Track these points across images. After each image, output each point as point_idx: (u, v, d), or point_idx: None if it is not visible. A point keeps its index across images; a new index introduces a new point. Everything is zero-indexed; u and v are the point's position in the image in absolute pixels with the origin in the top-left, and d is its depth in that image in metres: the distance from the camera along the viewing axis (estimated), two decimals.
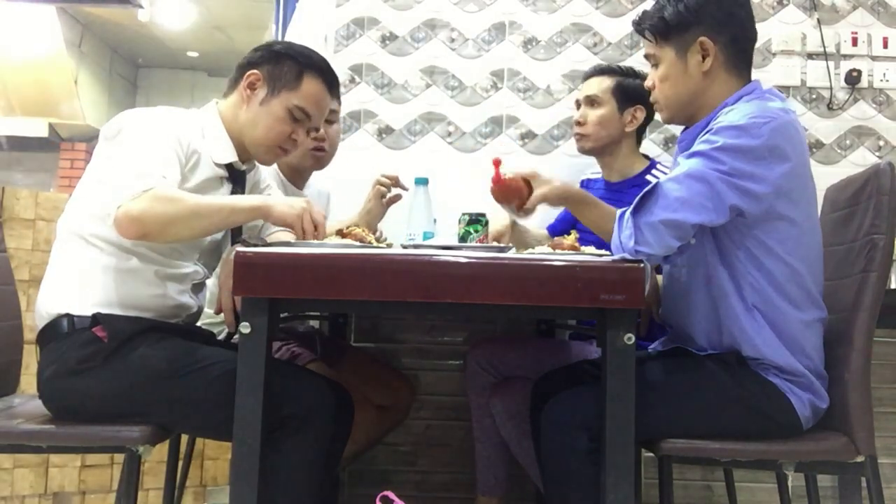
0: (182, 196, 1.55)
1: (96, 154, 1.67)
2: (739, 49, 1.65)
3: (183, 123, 1.69)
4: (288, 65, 1.75)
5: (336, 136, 2.27)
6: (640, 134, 2.31)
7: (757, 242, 1.55)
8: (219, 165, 1.73)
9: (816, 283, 1.61)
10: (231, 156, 1.75)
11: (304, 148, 2.09)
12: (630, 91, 2.23)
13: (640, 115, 2.24)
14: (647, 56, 1.72)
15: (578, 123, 2.28)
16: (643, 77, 2.09)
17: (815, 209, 1.64)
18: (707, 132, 1.56)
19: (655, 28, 1.65)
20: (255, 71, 1.75)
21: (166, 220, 1.51)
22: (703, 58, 1.62)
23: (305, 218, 1.57)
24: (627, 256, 1.46)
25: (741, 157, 1.49)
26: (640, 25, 1.70)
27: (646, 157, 2.34)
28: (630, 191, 2.16)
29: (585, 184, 2.40)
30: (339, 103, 2.26)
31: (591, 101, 2.26)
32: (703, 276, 1.61)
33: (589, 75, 2.32)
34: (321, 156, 2.23)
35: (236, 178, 1.79)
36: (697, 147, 1.54)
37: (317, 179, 2.37)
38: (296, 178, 2.27)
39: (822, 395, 1.60)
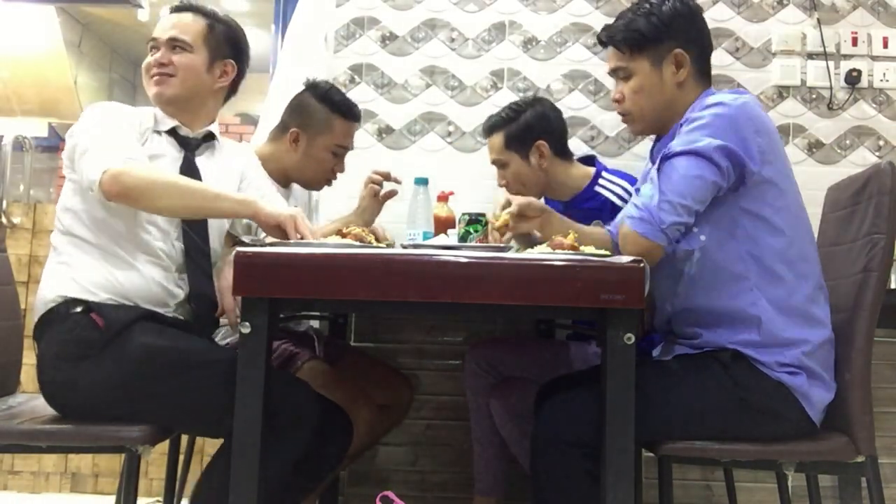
0: (161, 168, 1.66)
1: (64, 155, 1.71)
2: (705, 61, 1.72)
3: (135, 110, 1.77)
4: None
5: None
6: (561, 150, 2.28)
7: (750, 216, 1.57)
8: (163, 133, 1.78)
9: (810, 246, 1.63)
10: (172, 123, 1.78)
11: (327, 169, 2.24)
12: (520, 135, 2.24)
13: (544, 147, 2.23)
14: (615, 69, 1.74)
15: (505, 185, 2.29)
16: (523, 106, 2.23)
17: (793, 179, 1.65)
18: (681, 132, 1.60)
19: (629, 40, 1.68)
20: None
21: (148, 182, 1.57)
22: (678, 69, 1.67)
23: (299, 220, 1.58)
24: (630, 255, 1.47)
25: (724, 130, 1.54)
26: (610, 39, 1.73)
27: (586, 159, 2.35)
28: (583, 205, 2.21)
29: (549, 202, 2.39)
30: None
31: (500, 164, 2.29)
32: (707, 265, 1.61)
33: (486, 137, 2.34)
34: (326, 185, 2.31)
35: (186, 145, 1.80)
36: (678, 145, 1.56)
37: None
38: (280, 178, 2.25)
39: (827, 382, 1.58)
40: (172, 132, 1.78)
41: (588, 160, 2.34)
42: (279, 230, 1.58)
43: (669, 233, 1.51)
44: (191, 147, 1.80)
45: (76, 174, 1.65)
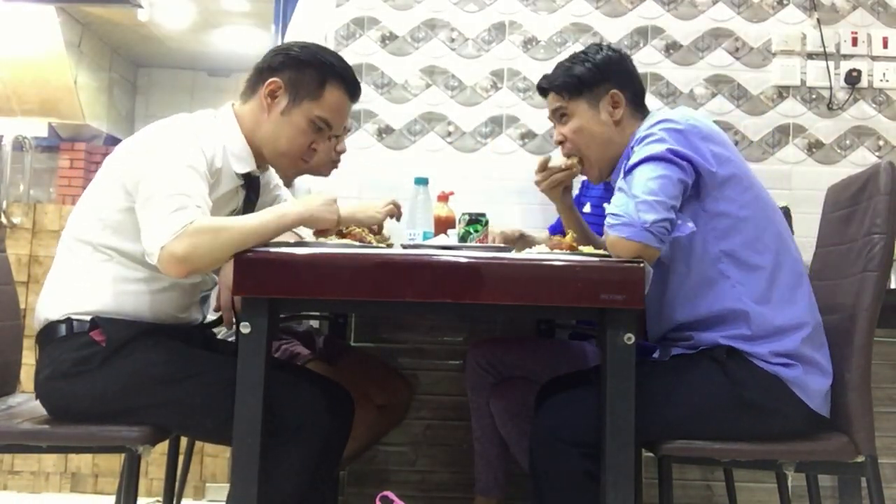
0: (224, 224, 1.49)
1: (114, 164, 1.63)
2: (640, 99, 1.84)
3: (205, 139, 1.63)
4: (310, 73, 1.68)
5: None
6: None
7: (717, 216, 1.61)
8: (238, 175, 1.70)
9: (783, 233, 1.66)
10: (250, 166, 1.71)
11: (326, 158, 2.09)
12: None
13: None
14: (554, 111, 1.85)
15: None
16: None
17: (752, 173, 1.69)
18: (634, 151, 1.65)
19: (567, 85, 1.80)
20: (275, 79, 1.67)
21: (213, 254, 1.45)
22: (614, 108, 1.79)
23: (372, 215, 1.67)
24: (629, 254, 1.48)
25: (676, 140, 1.59)
26: (549, 85, 1.83)
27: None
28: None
29: (588, 189, 2.40)
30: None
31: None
32: (688, 277, 1.63)
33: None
34: (334, 169, 2.24)
35: (251, 184, 1.76)
36: (635, 158, 1.61)
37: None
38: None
39: (823, 367, 1.59)
40: (245, 175, 1.72)
41: None
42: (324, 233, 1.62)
43: (654, 231, 1.50)
44: (254, 186, 1.76)
45: (137, 208, 1.54)
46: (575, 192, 2.16)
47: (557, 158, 1.92)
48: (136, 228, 1.55)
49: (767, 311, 1.58)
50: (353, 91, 1.74)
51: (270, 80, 1.67)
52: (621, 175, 1.65)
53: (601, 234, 1.73)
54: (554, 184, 1.90)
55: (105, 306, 1.59)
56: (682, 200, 1.57)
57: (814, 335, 1.60)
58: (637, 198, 1.52)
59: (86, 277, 1.61)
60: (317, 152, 1.75)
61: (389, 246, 1.71)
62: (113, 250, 1.60)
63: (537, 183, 1.93)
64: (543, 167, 1.92)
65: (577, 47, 2.77)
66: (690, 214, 1.61)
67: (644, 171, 1.56)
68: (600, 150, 1.80)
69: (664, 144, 1.58)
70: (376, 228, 2.04)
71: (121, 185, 1.60)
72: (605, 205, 1.61)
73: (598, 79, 1.79)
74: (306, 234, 1.90)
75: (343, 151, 2.20)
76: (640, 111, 1.82)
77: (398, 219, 2.13)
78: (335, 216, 1.61)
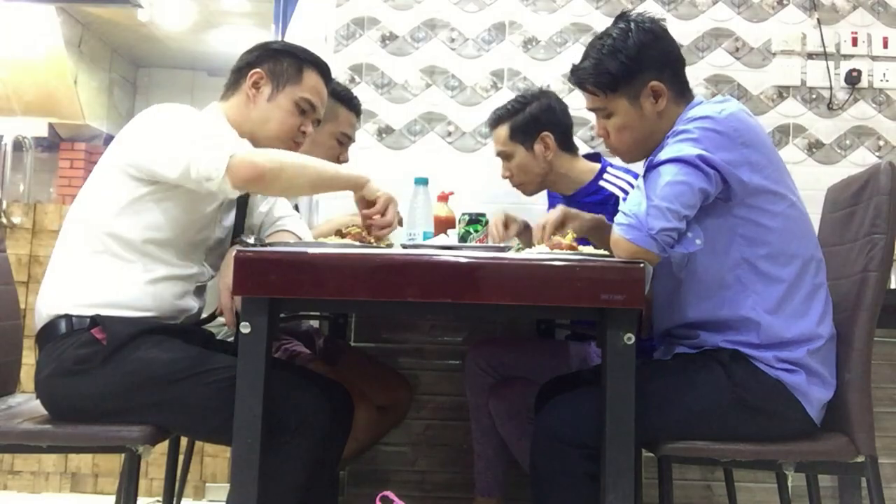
0: (281, 151, 1.63)
1: (116, 153, 1.64)
2: (681, 79, 1.70)
3: (200, 118, 1.70)
4: (287, 61, 1.79)
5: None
6: (566, 143, 2.27)
7: (746, 223, 1.57)
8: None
9: (809, 243, 1.62)
10: None
11: (333, 157, 2.19)
12: (525, 126, 2.23)
13: (549, 139, 2.22)
14: (593, 109, 1.73)
15: (509, 177, 2.30)
16: (529, 99, 2.23)
17: (789, 179, 1.63)
18: (668, 143, 1.59)
19: (601, 84, 1.66)
20: (257, 70, 1.78)
21: (280, 164, 1.56)
22: (656, 99, 1.65)
23: (391, 207, 1.66)
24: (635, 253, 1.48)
25: (712, 144, 1.53)
26: (581, 83, 1.71)
27: (591, 156, 2.33)
28: (587, 199, 2.20)
29: (552, 195, 2.41)
30: (359, 122, 2.36)
31: (504, 156, 2.28)
32: (704, 276, 1.61)
33: (491, 129, 2.33)
34: None
35: None
36: (664, 154, 1.56)
37: None
38: None
39: (826, 380, 1.58)
40: None
41: (593, 157, 2.34)
42: (369, 208, 1.68)
43: (659, 238, 1.48)
44: None
45: (163, 172, 1.57)
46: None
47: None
48: (135, 216, 1.60)
49: (778, 323, 1.56)
50: (327, 76, 1.87)
51: (252, 72, 1.78)
52: (644, 168, 1.62)
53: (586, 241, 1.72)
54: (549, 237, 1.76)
55: (102, 299, 1.59)
56: (699, 207, 1.53)
57: (823, 349, 1.58)
58: (651, 201, 1.50)
59: (83, 271, 1.61)
60: (306, 135, 1.82)
61: (389, 246, 1.71)
62: (111, 238, 1.60)
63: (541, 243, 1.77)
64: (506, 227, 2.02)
65: (577, 47, 2.78)
66: (717, 216, 1.57)
67: (667, 173, 1.52)
68: (644, 143, 1.69)
69: (697, 148, 1.52)
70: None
71: (120, 170, 1.61)
72: None
73: (633, 71, 1.64)
74: (306, 234, 1.91)
75: (346, 161, 2.25)
76: (684, 93, 1.70)
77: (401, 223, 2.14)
78: (385, 193, 1.67)
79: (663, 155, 1.56)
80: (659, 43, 1.67)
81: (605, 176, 2.22)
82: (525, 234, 2.11)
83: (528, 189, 2.31)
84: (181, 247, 1.67)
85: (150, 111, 1.66)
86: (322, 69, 1.84)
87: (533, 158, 2.23)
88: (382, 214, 1.66)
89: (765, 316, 1.56)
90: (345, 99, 2.23)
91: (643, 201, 1.51)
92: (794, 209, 1.60)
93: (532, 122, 2.22)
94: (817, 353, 1.57)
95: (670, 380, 1.59)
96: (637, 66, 1.64)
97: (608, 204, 2.12)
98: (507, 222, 2.09)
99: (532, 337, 2.55)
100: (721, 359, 1.57)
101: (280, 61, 1.79)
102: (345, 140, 2.24)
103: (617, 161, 2.01)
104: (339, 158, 2.23)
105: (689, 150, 1.52)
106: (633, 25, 1.66)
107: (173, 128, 1.60)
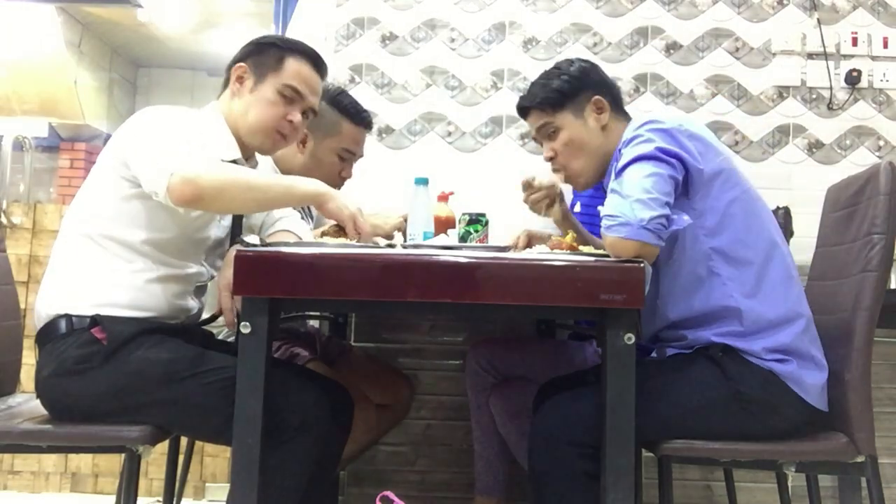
0: (236, 166, 1.56)
1: (110, 153, 1.65)
2: (619, 103, 1.87)
3: (191, 121, 1.69)
4: (270, 52, 1.77)
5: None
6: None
7: (706, 213, 1.61)
8: (223, 162, 1.71)
9: (771, 227, 1.66)
10: (235, 152, 1.74)
11: (333, 173, 2.15)
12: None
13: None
14: (540, 129, 1.85)
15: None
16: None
17: (740, 170, 1.69)
18: (622, 154, 1.64)
19: (549, 100, 1.82)
20: (241, 64, 1.77)
21: (222, 183, 1.49)
22: (599, 113, 1.81)
23: (358, 221, 1.59)
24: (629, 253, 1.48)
25: (663, 139, 1.60)
26: (531, 103, 1.84)
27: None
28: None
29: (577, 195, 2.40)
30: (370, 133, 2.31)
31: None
32: (679, 276, 1.64)
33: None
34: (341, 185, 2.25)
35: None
36: (624, 160, 1.61)
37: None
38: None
39: (818, 361, 1.60)
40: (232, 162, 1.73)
41: None
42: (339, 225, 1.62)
43: (651, 227, 1.49)
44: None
45: (134, 177, 1.58)
46: (569, 195, 2.21)
47: (543, 172, 1.94)
48: (132, 216, 1.59)
49: (758, 306, 1.59)
50: (316, 62, 1.80)
51: (236, 66, 1.77)
52: (612, 177, 1.65)
53: (594, 233, 1.73)
54: (535, 202, 1.94)
55: (102, 299, 1.59)
56: (674, 197, 1.57)
57: (807, 329, 1.61)
58: (631, 197, 1.52)
59: (82, 270, 1.61)
60: (294, 125, 1.77)
61: (391, 246, 1.71)
62: (109, 239, 1.61)
63: (524, 201, 1.96)
64: (527, 186, 1.95)
65: (578, 47, 2.79)
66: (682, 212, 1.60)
67: (635, 171, 1.57)
68: (590, 159, 1.81)
69: (652, 144, 1.59)
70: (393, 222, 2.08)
71: (114, 170, 1.62)
72: (599, 207, 1.60)
73: (577, 88, 1.81)
74: (306, 234, 1.90)
75: (348, 177, 2.21)
76: (623, 115, 1.85)
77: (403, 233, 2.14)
78: (347, 211, 1.59)
79: (624, 160, 1.61)
80: (598, 71, 1.88)
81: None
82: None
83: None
84: (180, 246, 1.67)
85: (142, 112, 1.66)
86: (309, 55, 1.78)
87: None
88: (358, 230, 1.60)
89: (744, 301, 1.59)
90: (351, 113, 2.15)
91: (623, 201, 1.53)
92: (748, 195, 1.66)
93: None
94: (804, 335, 1.59)
95: (666, 378, 1.60)
96: (579, 83, 1.82)
97: None
98: (530, 242, 1.88)
99: (532, 337, 2.54)
100: (713, 355, 1.58)
101: (264, 54, 1.77)
102: (347, 156, 2.16)
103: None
104: (341, 174, 2.16)
105: (647, 147, 1.59)
106: (573, 59, 1.89)
107: (150, 134, 1.59)
